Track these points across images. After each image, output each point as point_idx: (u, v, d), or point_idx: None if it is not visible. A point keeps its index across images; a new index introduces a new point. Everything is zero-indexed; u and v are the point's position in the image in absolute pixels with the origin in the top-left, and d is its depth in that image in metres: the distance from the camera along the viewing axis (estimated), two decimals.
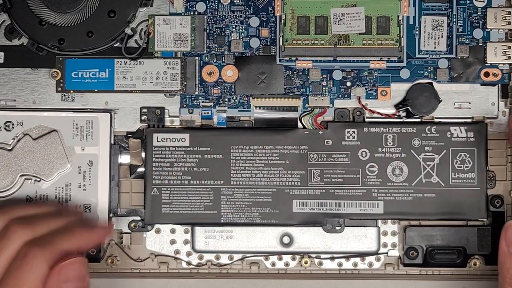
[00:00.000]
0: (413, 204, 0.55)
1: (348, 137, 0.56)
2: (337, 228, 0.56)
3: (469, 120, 0.57)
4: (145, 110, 0.57)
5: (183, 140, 0.56)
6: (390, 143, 0.56)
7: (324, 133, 0.56)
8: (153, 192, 0.56)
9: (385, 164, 0.56)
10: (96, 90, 0.57)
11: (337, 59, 0.57)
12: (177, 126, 0.57)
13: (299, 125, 0.57)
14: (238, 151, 0.56)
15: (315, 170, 0.56)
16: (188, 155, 0.56)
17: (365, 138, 0.56)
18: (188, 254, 0.57)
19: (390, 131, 0.56)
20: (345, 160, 0.56)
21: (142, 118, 0.57)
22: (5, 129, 0.57)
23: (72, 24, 0.57)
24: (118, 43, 0.57)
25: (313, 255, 0.57)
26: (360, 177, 0.56)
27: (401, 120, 0.57)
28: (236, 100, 0.57)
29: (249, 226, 0.56)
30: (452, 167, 0.56)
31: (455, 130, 0.56)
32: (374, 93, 0.57)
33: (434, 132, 0.56)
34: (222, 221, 0.56)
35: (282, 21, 0.56)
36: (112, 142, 0.57)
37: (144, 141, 0.56)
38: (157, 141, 0.56)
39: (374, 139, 0.56)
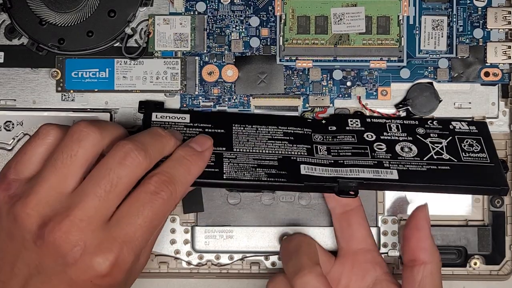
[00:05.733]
0: (428, 174, 0.52)
1: (352, 124, 0.55)
2: (351, 192, 0.50)
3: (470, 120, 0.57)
4: (143, 105, 0.56)
5: (183, 118, 0.54)
6: (394, 130, 0.55)
7: (327, 122, 0.56)
8: None
9: (392, 144, 0.54)
10: (96, 90, 0.57)
11: (337, 58, 0.57)
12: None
13: None
14: (240, 128, 0.54)
15: (321, 146, 0.54)
16: (188, 129, 0.53)
17: (369, 125, 0.55)
18: (188, 254, 0.57)
19: (392, 122, 0.55)
20: (351, 140, 0.54)
21: (141, 111, 0.56)
22: (5, 129, 0.57)
23: (72, 24, 0.57)
24: (118, 43, 0.57)
25: None
26: (369, 152, 0.53)
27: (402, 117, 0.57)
28: (236, 100, 0.57)
29: (254, 188, 0.54)
30: (461, 149, 0.54)
31: (456, 124, 0.56)
32: (374, 93, 0.57)
33: (436, 124, 0.55)
34: (224, 177, 0.50)
35: (282, 20, 0.56)
36: None
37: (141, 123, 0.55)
38: (156, 118, 0.54)
39: (378, 126, 0.55)
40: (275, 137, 0.54)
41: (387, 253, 0.57)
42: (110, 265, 0.43)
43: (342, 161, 0.52)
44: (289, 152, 0.53)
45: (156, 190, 0.45)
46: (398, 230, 0.57)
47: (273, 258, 0.57)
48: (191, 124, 0.54)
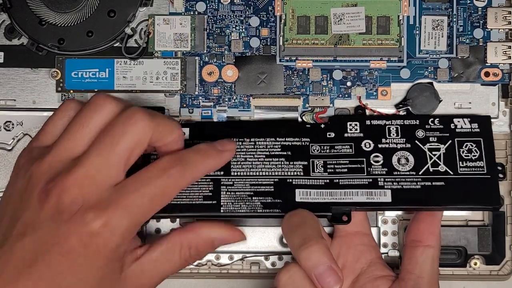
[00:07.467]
0: (422, 192, 0.53)
1: (351, 129, 0.56)
2: (344, 219, 0.53)
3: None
4: None
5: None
6: (393, 134, 0.55)
7: (326, 126, 0.56)
8: None
9: (389, 154, 0.54)
10: (96, 90, 0.57)
11: (337, 59, 0.57)
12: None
13: None
14: (238, 143, 0.55)
15: (318, 161, 0.54)
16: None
17: (368, 130, 0.55)
18: None
19: (393, 123, 0.56)
20: (348, 151, 0.55)
21: None
22: (5, 129, 0.57)
23: (72, 24, 0.57)
24: (118, 43, 0.57)
25: None
26: (365, 167, 0.54)
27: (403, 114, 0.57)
28: (236, 100, 0.57)
29: (250, 218, 0.55)
30: (459, 157, 0.54)
31: (458, 121, 0.56)
32: (375, 93, 0.57)
33: (437, 124, 0.55)
34: (222, 211, 0.53)
35: (282, 20, 0.56)
36: None
37: None
38: None
39: (377, 130, 0.55)
40: (273, 153, 0.54)
41: (387, 253, 0.57)
42: (101, 224, 0.44)
43: (337, 181, 0.53)
44: (286, 173, 0.54)
45: (165, 166, 0.47)
46: (398, 230, 0.57)
47: (273, 258, 0.57)
48: (190, 142, 0.54)
